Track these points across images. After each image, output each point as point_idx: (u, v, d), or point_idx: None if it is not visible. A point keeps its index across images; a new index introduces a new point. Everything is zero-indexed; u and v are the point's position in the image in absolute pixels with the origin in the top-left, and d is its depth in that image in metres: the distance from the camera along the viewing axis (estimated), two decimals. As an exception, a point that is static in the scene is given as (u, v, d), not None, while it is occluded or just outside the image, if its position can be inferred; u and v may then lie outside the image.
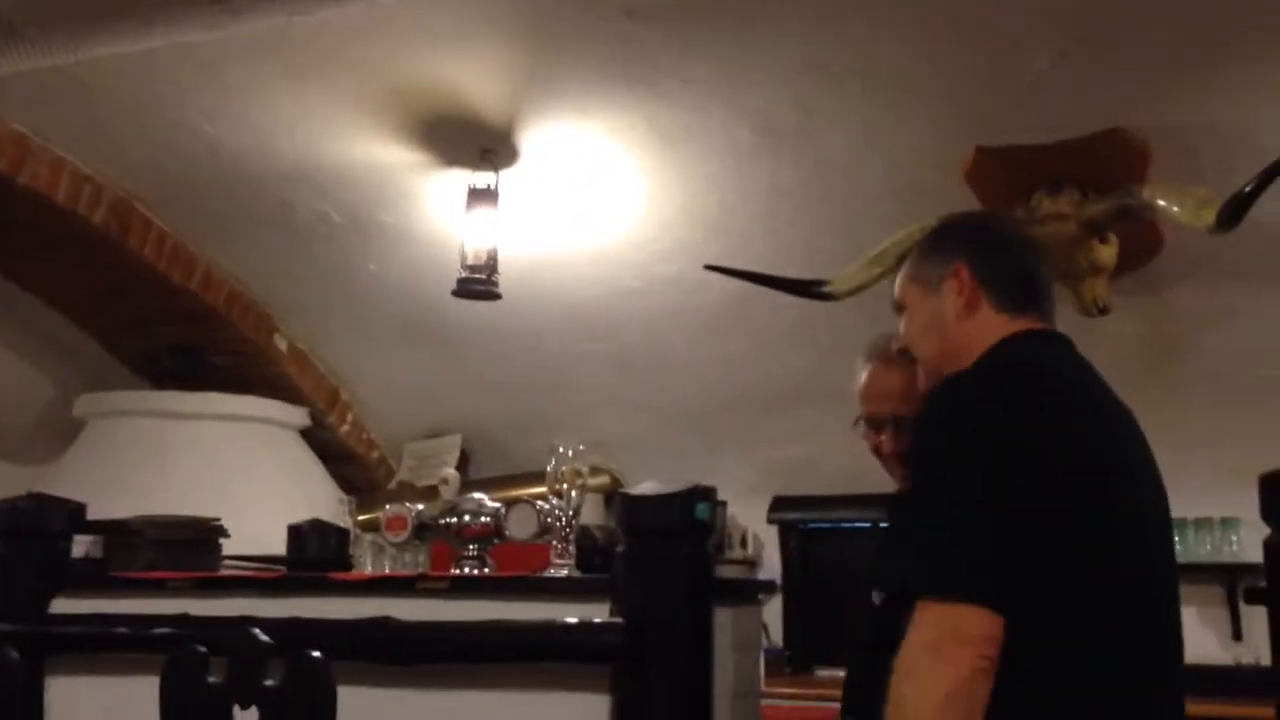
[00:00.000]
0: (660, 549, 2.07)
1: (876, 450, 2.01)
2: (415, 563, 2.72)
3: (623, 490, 2.24)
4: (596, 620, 2.08)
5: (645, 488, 2.14)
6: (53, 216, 3.68)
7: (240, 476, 3.98)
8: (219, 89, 3.34)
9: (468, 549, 2.48)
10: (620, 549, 2.11)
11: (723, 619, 2.10)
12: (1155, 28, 2.74)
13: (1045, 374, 1.63)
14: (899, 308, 1.81)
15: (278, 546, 2.64)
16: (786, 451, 4.18)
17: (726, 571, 3.50)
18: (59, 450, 4.22)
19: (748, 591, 2.28)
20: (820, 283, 3.19)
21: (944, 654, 1.40)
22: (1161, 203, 2.81)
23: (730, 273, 3.35)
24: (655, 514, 2.08)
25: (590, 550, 2.31)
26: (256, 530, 2.81)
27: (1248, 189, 2.62)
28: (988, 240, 1.77)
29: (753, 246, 3.53)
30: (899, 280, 1.82)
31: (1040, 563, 1.45)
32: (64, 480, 3.46)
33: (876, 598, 1.85)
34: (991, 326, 1.67)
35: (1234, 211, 2.64)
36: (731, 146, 3.30)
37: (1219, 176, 2.80)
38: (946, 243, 1.78)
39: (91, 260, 3.92)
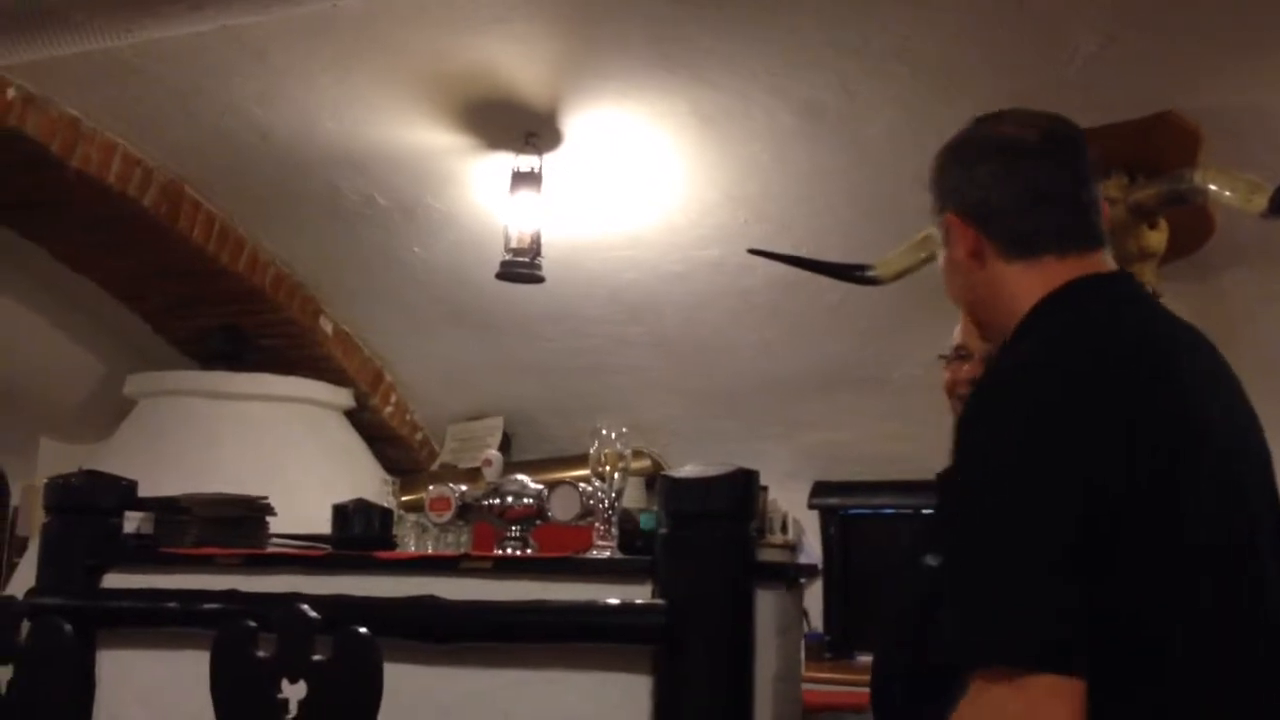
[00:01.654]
0: (702, 532, 2.07)
1: (952, 386, 1.89)
2: (458, 543, 2.74)
3: (664, 473, 2.25)
4: (638, 602, 2.09)
5: (687, 470, 2.15)
6: (103, 199, 3.74)
7: (286, 456, 4.03)
8: (267, 73, 3.37)
9: (510, 530, 2.49)
10: (662, 531, 2.12)
11: (764, 602, 2.10)
12: (1205, 10, 2.70)
13: (1127, 353, 1.27)
14: None
15: (323, 526, 2.68)
16: (826, 436, 4.17)
17: (767, 555, 3.50)
18: (110, 429, 4.29)
19: (789, 575, 2.28)
20: (864, 267, 3.17)
21: None
22: (1213, 187, 2.78)
23: (774, 256, 3.35)
24: (697, 497, 2.08)
25: (632, 533, 2.32)
26: (302, 509, 2.84)
27: (1300, 174, 2.58)
28: (980, 169, 1.39)
29: (794, 230, 3.52)
30: None
31: (1143, 607, 1.17)
32: (115, 458, 3.52)
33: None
34: (1009, 277, 1.35)
35: (1286, 197, 2.60)
36: (773, 130, 3.29)
37: (1272, 160, 2.76)
38: (940, 179, 1.44)
39: (141, 242, 3.97)
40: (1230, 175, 2.76)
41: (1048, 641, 1.13)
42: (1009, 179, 1.38)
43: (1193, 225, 3.04)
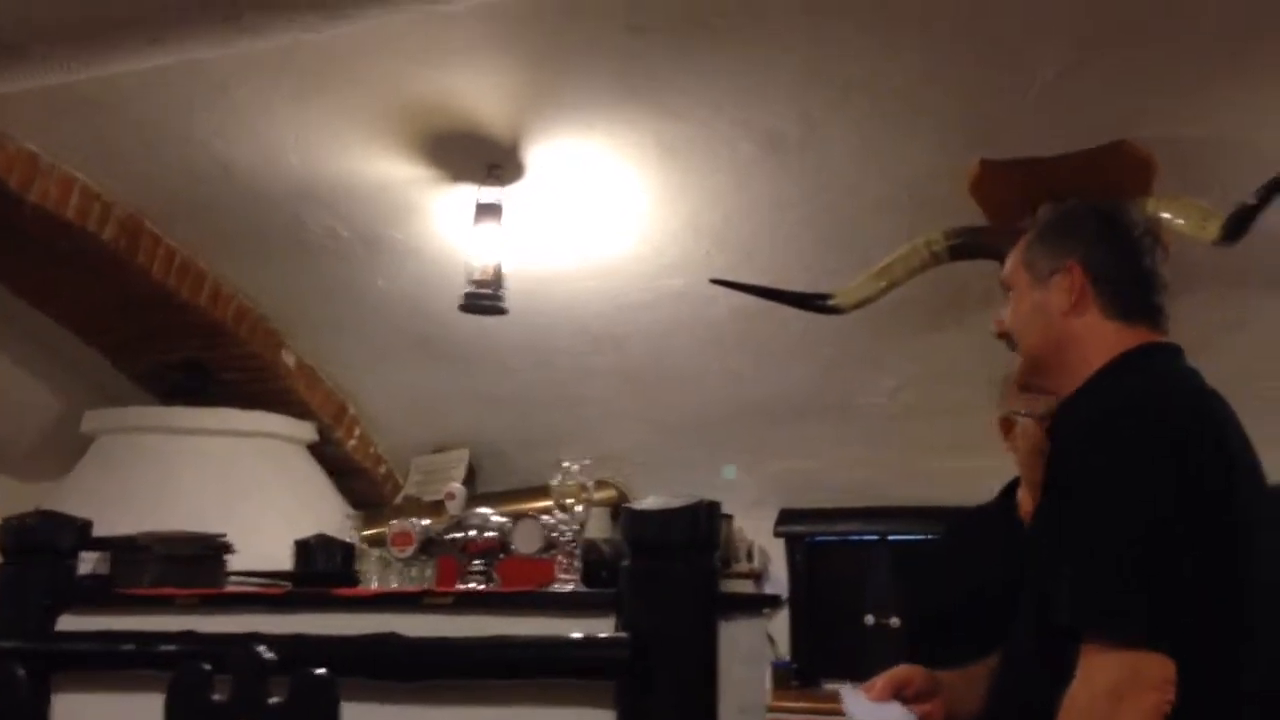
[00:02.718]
0: (665, 563, 2.06)
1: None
2: (421, 578, 2.72)
3: (627, 505, 2.24)
4: (601, 635, 2.08)
5: (649, 502, 2.13)
6: (62, 234, 3.70)
7: (248, 492, 3.99)
8: (228, 106, 3.36)
9: (473, 564, 2.48)
10: (625, 563, 2.11)
11: (728, 633, 2.09)
12: (1160, 41, 2.74)
13: (1204, 400, 1.61)
14: (1005, 287, 1.79)
15: (285, 562, 2.65)
16: (792, 464, 4.18)
17: (733, 585, 3.49)
18: (67, 466, 4.23)
19: (753, 605, 2.27)
20: (825, 296, 3.19)
21: (1128, 700, 1.40)
22: (1166, 215, 2.81)
23: (736, 286, 3.36)
24: (660, 528, 2.07)
25: (596, 564, 2.31)
26: (264, 546, 2.81)
27: (1252, 201, 2.62)
28: (1110, 237, 1.72)
29: (757, 260, 3.54)
30: (1010, 260, 1.79)
31: (1210, 604, 1.45)
32: (71, 497, 3.48)
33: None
34: (1102, 332, 1.66)
35: (1238, 224, 2.64)
36: (736, 160, 3.31)
37: (1224, 189, 2.80)
38: (1065, 233, 1.73)
39: (100, 277, 3.94)
40: (1183, 203, 2.80)
41: (1152, 625, 1.41)
42: (1126, 255, 1.71)
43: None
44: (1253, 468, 1.60)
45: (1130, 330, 1.66)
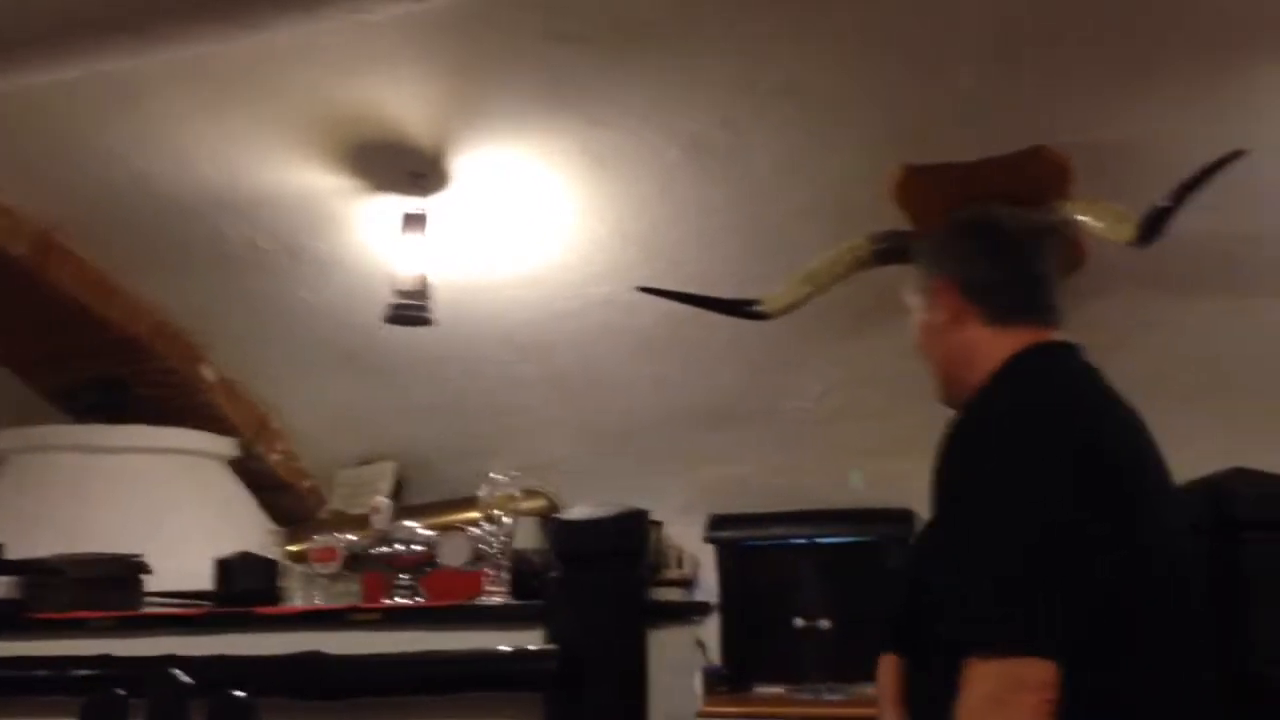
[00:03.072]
0: (593, 573, 2.05)
1: None
2: (347, 594, 2.68)
3: (555, 515, 2.23)
4: (530, 647, 2.06)
5: (577, 512, 2.13)
6: (-30, 250, 3.60)
7: (167, 510, 3.90)
8: (142, 117, 3.30)
9: (400, 578, 2.45)
10: (554, 574, 2.09)
11: (657, 641, 2.09)
12: (1076, 47, 2.79)
13: (1092, 397, 1.60)
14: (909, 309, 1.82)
15: (206, 581, 2.59)
16: (721, 470, 4.18)
17: (663, 592, 3.49)
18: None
19: (682, 613, 2.27)
20: (752, 302, 3.19)
21: (1007, 705, 1.41)
22: (1083, 218, 2.85)
23: (662, 294, 3.35)
24: (587, 539, 2.06)
25: (525, 576, 2.29)
26: (184, 565, 2.75)
27: (1165, 204, 2.67)
28: (979, 245, 1.74)
29: (684, 267, 3.54)
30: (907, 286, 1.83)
31: (1108, 605, 1.45)
32: (-15, 518, 3.37)
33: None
34: (985, 340, 1.66)
35: (1153, 226, 2.69)
36: (662, 168, 3.31)
37: (1139, 192, 2.85)
38: (935, 251, 1.77)
39: (11, 294, 3.83)
40: (1099, 206, 2.85)
41: (1029, 637, 1.42)
42: (998, 260, 1.71)
43: (1066, 255, 3.12)
44: (1152, 464, 1.59)
45: (1013, 333, 1.66)
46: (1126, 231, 2.73)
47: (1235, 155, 2.60)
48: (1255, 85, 2.80)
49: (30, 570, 2.48)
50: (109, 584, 2.52)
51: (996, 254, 1.72)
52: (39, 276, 3.72)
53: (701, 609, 2.98)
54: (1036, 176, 2.96)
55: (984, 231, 1.77)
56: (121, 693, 1.71)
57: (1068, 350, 1.68)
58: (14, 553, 2.49)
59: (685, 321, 3.59)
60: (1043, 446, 1.48)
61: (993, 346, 1.65)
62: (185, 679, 1.69)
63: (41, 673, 2.27)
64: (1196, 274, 3.25)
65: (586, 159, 3.31)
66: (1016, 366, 1.63)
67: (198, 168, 3.46)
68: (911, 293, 1.79)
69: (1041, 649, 1.41)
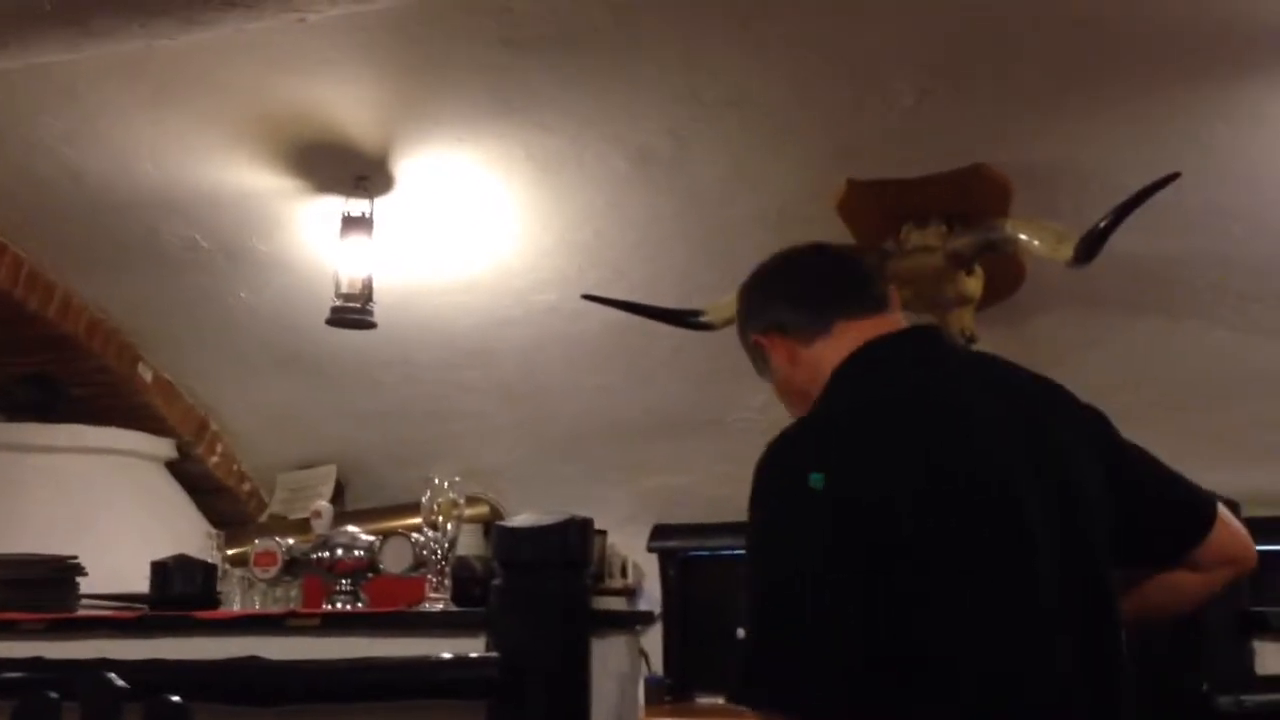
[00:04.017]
0: (536, 582, 2.05)
1: None
2: (287, 599, 2.65)
3: (498, 523, 2.22)
4: (472, 655, 2.06)
5: (520, 519, 2.12)
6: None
7: (102, 511, 3.84)
8: (79, 113, 3.25)
9: (340, 584, 2.42)
10: (496, 582, 2.09)
11: (600, 650, 2.09)
12: (1014, 67, 2.85)
13: (854, 413, 1.48)
14: None
15: (142, 584, 2.55)
16: (665, 479, 4.19)
17: (606, 601, 3.49)
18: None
19: (625, 622, 2.28)
20: (696, 313, 3.22)
21: None
22: (1023, 237, 2.92)
23: (607, 302, 3.36)
24: (530, 546, 2.06)
25: (468, 582, 2.28)
26: (119, 567, 2.70)
27: (1103, 224, 2.73)
28: (758, 290, 1.69)
29: (629, 275, 3.55)
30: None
31: (880, 639, 1.34)
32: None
33: None
34: (809, 363, 1.58)
35: (1090, 245, 2.75)
36: (608, 176, 3.32)
37: (1076, 212, 2.91)
38: (740, 322, 1.71)
39: (-58, 288, 3.75)
40: (1038, 225, 2.91)
41: (771, 686, 1.36)
42: (782, 286, 1.66)
43: (1006, 272, 3.18)
44: (934, 468, 1.41)
45: (834, 336, 1.57)
46: (1065, 251, 2.79)
47: (1171, 178, 2.67)
48: (1191, 110, 2.88)
49: (-41, 572, 2.44)
50: (42, 585, 2.47)
51: (778, 282, 1.67)
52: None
53: (645, 618, 2.99)
54: (976, 194, 3.02)
55: (759, 274, 1.71)
56: (54, 696, 1.68)
57: (896, 342, 1.57)
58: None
59: (630, 331, 3.60)
60: (781, 492, 1.43)
61: (817, 368, 1.57)
62: (120, 682, 1.66)
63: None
64: (1134, 294, 3.32)
65: (532, 165, 3.31)
66: (832, 378, 1.55)
67: (135, 164, 3.41)
68: (757, 371, 1.71)
69: (794, 702, 1.33)
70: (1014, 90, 2.90)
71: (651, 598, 4.27)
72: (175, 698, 1.66)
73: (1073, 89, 2.87)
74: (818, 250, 1.72)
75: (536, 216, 3.49)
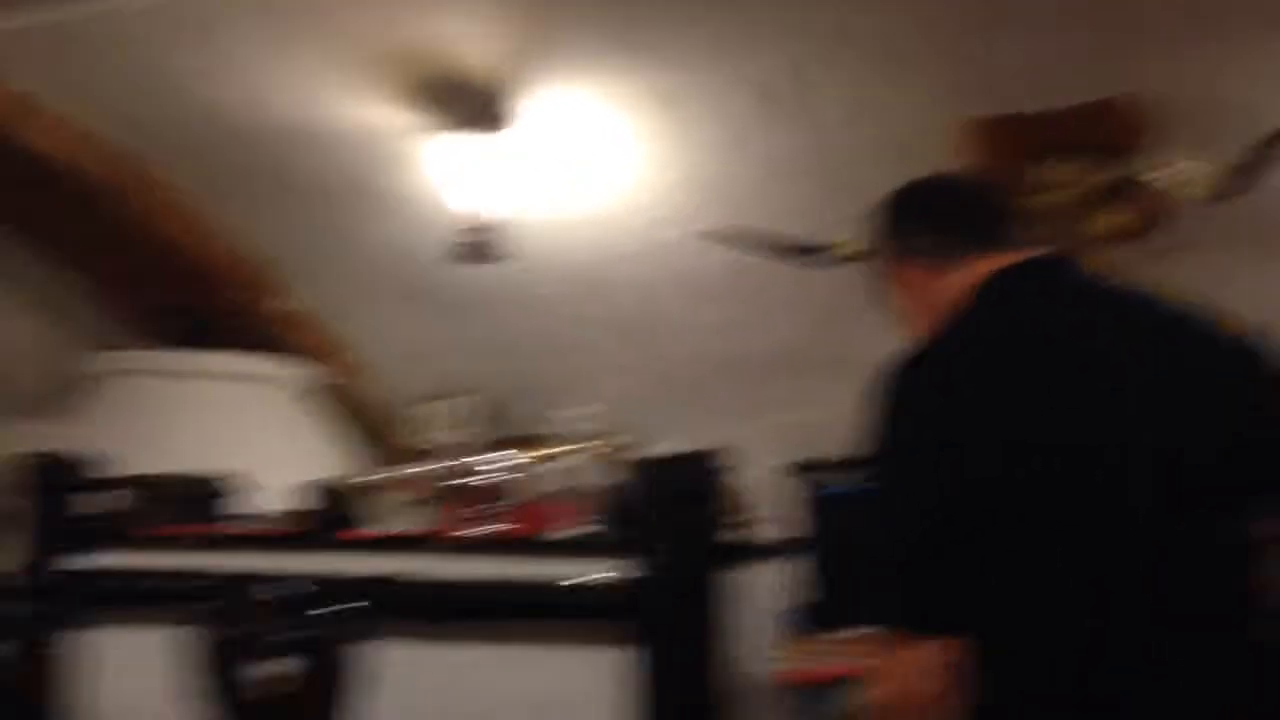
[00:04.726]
0: (675, 510, 2.10)
1: None
2: (428, 522, 2.74)
3: (636, 453, 2.28)
4: (609, 577, 2.12)
5: (655, 451, 2.17)
6: (52, 176, 3.66)
7: (249, 436, 3.97)
8: (213, 50, 3.34)
9: (478, 508, 2.50)
10: (635, 509, 2.15)
11: (738, 579, 2.14)
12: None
13: (970, 356, 1.48)
14: None
15: (287, 505, 2.66)
16: (793, 416, 4.20)
17: (737, 535, 3.54)
18: (68, 408, 4.20)
19: (762, 554, 2.32)
20: (823, 247, 3.22)
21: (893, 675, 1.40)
22: (1161, 173, 2.85)
23: (731, 240, 3.38)
24: (666, 477, 2.11)
25: (603, 510, 2.35)
26: (267, 488, 2.82)
27: (1246, 160, 2.66)
28: (890, 215, 1.70)
29: (749, 212, 3.55)
30: None
31: (1011, 570, 1.38)
32: (75, 437, 3.45)
33: None
34: (942, 286, 1.58)
35: (1232, 182, 2.69)
36: (729, 112, 3.32)
37: (1219, 147, 2.84)
38: (875, 246, 1.73)
39: (92, 219, 3.90)
40: (1178, 161, 2.84)
41: (910, 609, 1.41)
42: (920, 213, 1.67)
43: (1142, 210, 3.12)
44: (1055, 408, 1.42)
45: (961, 272, 1.57)
46: (1205, 187, 2.72)
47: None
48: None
49: (125, 487, 2.57)
50: (199, 503, 2.60)
51: (911, 210, 1.68)
52: (119, 203, 3.79)
53: (782, 549, 3.03)
54: (1109, 128, 2.96)
55: (892, 199, 1.72)
56: (247, 597, 1.78)
57: (1020, 275, 1.56)
58: (104, 471, 2.58)
59: (749, 268, 3.61)
60: (902, 422, 1.45)
61: (949, 290, 1.56)
62: (311, 587, 1.76)
63: (137, 584, 2.36)
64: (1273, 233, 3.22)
65: (653, 100, 3.33)
66: (957, 318, 1.53)
67: (267, 101, 3.50)
68: (875, 293, 1.74)
69: (931, 628, 1.39)
70: (1154, 21, 2.82)
71: (785, 532, 4.30)
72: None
73: (1216, 19, 2.79)
74: (957, 180, 1.77)
75: (657, 152, 3.50)
